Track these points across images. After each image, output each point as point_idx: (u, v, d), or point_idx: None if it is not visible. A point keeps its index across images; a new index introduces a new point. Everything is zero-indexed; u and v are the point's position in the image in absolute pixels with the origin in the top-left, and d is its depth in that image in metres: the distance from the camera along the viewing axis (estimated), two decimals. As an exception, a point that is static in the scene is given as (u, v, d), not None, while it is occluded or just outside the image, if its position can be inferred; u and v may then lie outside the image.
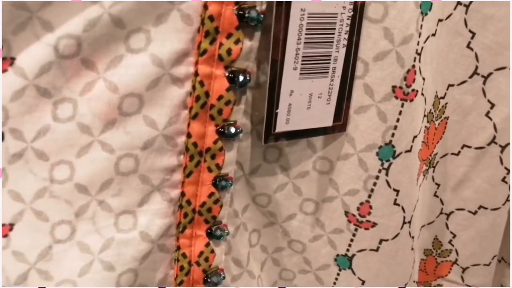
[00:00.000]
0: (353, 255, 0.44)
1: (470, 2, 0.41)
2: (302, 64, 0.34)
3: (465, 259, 0.52)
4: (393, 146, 0.40)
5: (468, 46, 0.42)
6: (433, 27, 0.38)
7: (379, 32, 0.36)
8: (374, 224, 0.42)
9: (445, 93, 0.43)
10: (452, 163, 0.48)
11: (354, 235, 0.43)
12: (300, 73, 0.35)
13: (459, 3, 0.41)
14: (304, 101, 0.36)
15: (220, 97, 0.33)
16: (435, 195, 0.50)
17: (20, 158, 0.31)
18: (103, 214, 0.35)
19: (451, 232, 0.51)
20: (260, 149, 0.40)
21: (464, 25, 0.41)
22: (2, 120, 0.30)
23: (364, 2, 0.35)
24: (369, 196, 0.41)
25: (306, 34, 0.33)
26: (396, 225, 0.43)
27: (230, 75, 0.33)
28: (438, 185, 0.49)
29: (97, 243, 0.36)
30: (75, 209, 0.34)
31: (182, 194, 0.37)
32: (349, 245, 0.44)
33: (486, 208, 0.49)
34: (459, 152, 0.47)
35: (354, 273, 0.45)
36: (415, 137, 0.40)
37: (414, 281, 0.48)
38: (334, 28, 0.34)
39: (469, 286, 0.53)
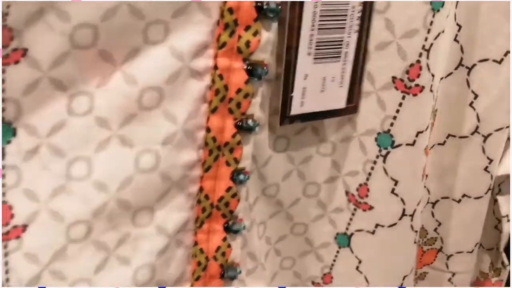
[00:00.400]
0: (352, 234, 0.45)
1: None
2: (316, 49, 0.35)
3: (449, 246, 0.54)
4: (392, 136, 0.41)
5: (455, 39, 0.44)
6: (444, 24, 0.40)
7: (381, 22, 0.37)
8: (371, 207, 0.44)
9: (438, 87, 0.45)
10: (438, 153, 0.49)
11: (353, 214, 0.45)
12: (314, 58, 0.36)
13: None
14: (318, 84, 0.37)
15: (238, 90, 0.33)
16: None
17: (34, 155, 0.30)
18: (120, 212, 0.34)
19: (437, 220, 0.53)
20: (271, 140, 0.40)
21: (454, 19, 0.43)
22: (14, 115, 0.29)
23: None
24: (367, 179, 0.43)
25: (319, 20, 0.34)
26: (393, 214, 0.44)
27: (248, 67, 0.33)
28: (426, 175, 0.50)
29: (113, 239, 0.35)
30: (93, 207, 0.33)
31: (201, 189, 0.36)
32: (348, 224, 0.45)
33: (469, 197, 0.51)
34: (445, 141, 0.49)
35: (352, 251, 0.46)
36: (419, 132, 0.41)
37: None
38: (346, 15, 0.35)
39: (453, 273, 0.55)
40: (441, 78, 0.45)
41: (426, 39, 0.38)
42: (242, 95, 0.33)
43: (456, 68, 0.46)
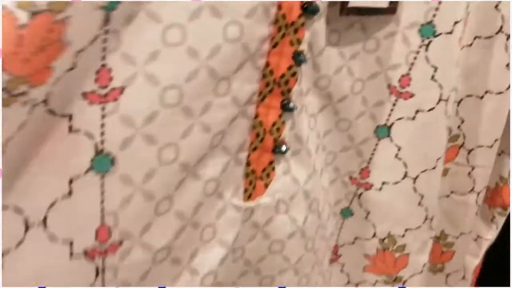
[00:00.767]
0: (392, 124, 0.51)
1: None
2: None
3: (470, 141, 0.59)
4: (434, 26, 0.47)
5: None
6: None
7: None
8: (412, 95, 0.49)
9: None
10: (466, 54, 0.55)
11: (394, 105, 0.50)
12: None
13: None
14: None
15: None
16: None
17: (133, 19, 0.33)
18: (208, 80, 0.37)
19: (460, 118, 0.58)
20: (326, 33, 0.44)
21: None
22: None
23: None
24: (409, 69, 0.48)
25: None
26: (432, 99, 0.50)
27: None
28: None
29: (199, 107, 0.38)
30: (185, 73, 0.36)
31: (267, 64, 0.41)
32: (389, 115, 0.50)
33: (491, 93, 0.57)
34: (471, 43, 0.54)
35: (391, 140, 0.51)
36: (456, 22, 0.47)
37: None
38: None
39: (472, 166, 0.61)
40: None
41: None
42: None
43: None
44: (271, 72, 0.41)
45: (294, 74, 0.42)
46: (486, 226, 0.66)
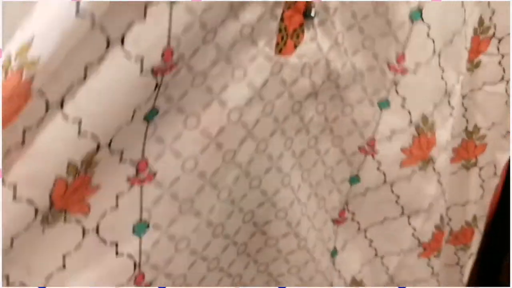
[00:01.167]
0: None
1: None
2: None
3: (500, 30, 0.63)
4: None
5: None
6: None
7: None
8: None
9: None
10: None
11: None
12: None
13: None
14: None
15: None
16: None
17: None
18: None
19: (492, 8, 0.62)
20: None
21: None
22: None
23: None
24: None
25: None
26: None
27: None
28: None
29: None
30: None
31: None
32: None
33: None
34: None
35: (423, 20, 0.55)
36: None
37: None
38: None
39: (503, 55, 0.65)
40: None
41: None
42: None
43: None
44: None
45: None
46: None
